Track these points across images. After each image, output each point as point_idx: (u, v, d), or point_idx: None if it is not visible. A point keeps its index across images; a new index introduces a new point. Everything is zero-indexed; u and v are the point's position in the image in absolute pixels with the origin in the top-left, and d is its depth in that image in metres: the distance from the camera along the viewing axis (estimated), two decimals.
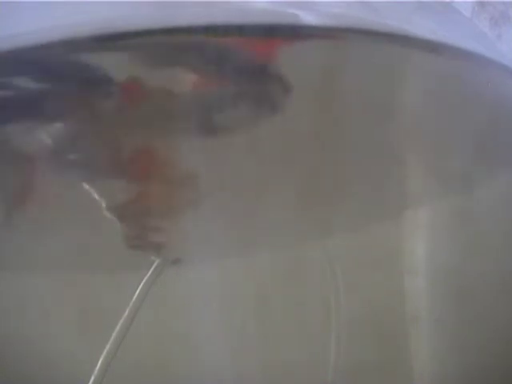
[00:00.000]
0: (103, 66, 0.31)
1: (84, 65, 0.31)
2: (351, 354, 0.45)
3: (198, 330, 0.40)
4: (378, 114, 0.38)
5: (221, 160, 0.37)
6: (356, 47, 0.35)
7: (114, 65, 0.31)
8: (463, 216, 0.44)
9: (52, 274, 0.39)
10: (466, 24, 0.51)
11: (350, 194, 0.42)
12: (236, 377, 0.42)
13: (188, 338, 0.41)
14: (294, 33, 0.32)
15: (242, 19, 0.31)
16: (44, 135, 0.34)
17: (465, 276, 0.43)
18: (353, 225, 0.44)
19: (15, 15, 0.31)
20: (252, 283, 0.43)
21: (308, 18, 0.33)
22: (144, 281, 0.40)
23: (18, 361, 0.38)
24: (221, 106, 0.35)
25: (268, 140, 0.37)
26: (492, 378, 0.41)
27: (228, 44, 0.32)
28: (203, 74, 0.33)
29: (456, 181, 0.43)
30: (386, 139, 0.40)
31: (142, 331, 0.41)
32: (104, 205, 0.37)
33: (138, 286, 0.40)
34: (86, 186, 0.36)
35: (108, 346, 0.39)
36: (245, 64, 0.33)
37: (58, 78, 0.31)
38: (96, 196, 0.36)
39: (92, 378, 0.38)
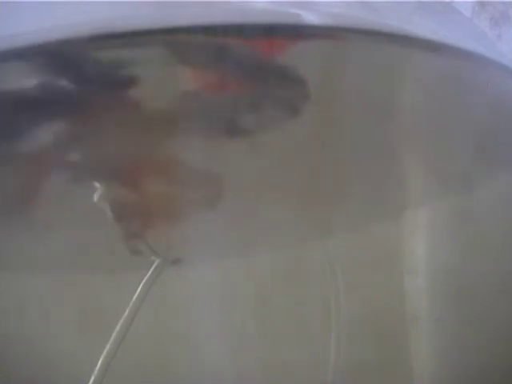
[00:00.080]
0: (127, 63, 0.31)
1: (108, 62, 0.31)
2: (351, 354, 0.45)
3: (197, 330, 0.40)
4: (378, 114, 0.38)
5: (243, 162, 0.37)
6: (356, 47, 0.35)
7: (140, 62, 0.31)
8: (463, 216, 0.44)
9: (52, 274, 0.39)
10: (466, 24, 0.51)
11: (349, 193, 0.42)
12: (236, 377, 0.42)
13: (188, 338, 0.41)
14: (294, 33, 0.32)
15: (242, 19, 0.31)
16: (55, 135, 0.34)
17: (465, 276, 0.43)
18: (353, 225, 0.44)
19: (15, 15, 0.31)
20: (252, 283, 0.43)
21: (308, 18, 0.33)
22: (144, 281, 0.40)
23: (17, 361, 0.38)
24: (244, 109, 0.35)
25: (280, 142, 0.37)
26: (492, 378, 0.41)
27: (251, 46, 0.32)
28: (225, 76, 0.34)
29: (456, 181, 0.43)
30: (386, 139, 0.40)
31: (142, 331, 0.41)
32: (109, 205, 0.37)
33: (138, 286, 0.40)
34: (96, 185, 0.37)
35: (108, 346, 0.39)
36: (265, 66, 0.34)
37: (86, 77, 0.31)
38: (97, 197, 0.37)
39: (92, 378, 0.38)
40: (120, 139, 0.35)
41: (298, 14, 0.33)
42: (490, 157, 0.43)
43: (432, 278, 0.44)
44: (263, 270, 0.43)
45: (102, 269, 0.41)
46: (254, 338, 0.43)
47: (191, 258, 0.42)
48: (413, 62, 0.38)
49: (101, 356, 0.39)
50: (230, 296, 0.42)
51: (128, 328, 0.39)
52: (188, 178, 0.38)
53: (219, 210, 0.39)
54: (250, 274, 0.43)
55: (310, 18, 0.33)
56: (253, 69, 0.33)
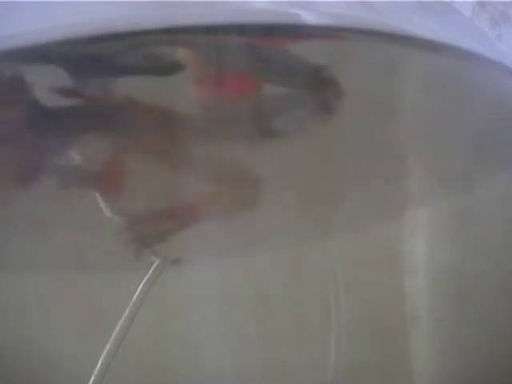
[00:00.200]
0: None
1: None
2: (351, 354, 0.45)
3: (198, 330, 0.40)
4: (378, 114, 0.38)
5: (279, 162, 0.38)
6: (356, 47, 0.35)
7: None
8: (463, 216, 0.44)
9: (52, 274, 0.39)
10: (466, 24, 0.51)
11: (350, 194, 0.42)
12: (236, 377, 0.42)
13: (188, 338, 0.41)
14: (294, 33, 0.32)
15: (242, 19, 0.31)
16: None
17: (465, 276, 0.43)
18: (353, 225, 0.44)
19: (15, 15, 0.31)
20: (252, 283, 0.43)
21: (308, 18, 0.33)
22: (144, 281, 0.40)
23: (18, 361, 0.38)
24: (279, 111, 0.36)
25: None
26: (492, 378, 0.41)
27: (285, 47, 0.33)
28: (259, 78, 0.34)
29: (456, 181, 0.43)
30: (386, 139, 0.40)
31: (142, 331, 0.41)
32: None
33: (138, 286, 0.40)
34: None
35: (108, 346, 0.39)
36: (300, 68, 0.34)
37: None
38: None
39: (92, 378, 0.38)
40: (159, 143, 0.35)
41: (297, 14, 0.33)
42: (489, 157, 0.43)
43: (432, 277, 0.44)
44: (263, 269, 0.43)
45: (101, 269, 0.41)
46: (253, 338, 0.43)
47: (191, 258, 0.42)
48: (413, 61, 0.38)
49: (101, 356, 0.39)
50: (230, 296, 0.42)
51: (128, 328, 0.39)
52: (227, 178, 0.38)
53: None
54: (250, 274, 0.43)
55: (310, 17, 0.33)
56: (287, 70, 0.34)
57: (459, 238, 0.45)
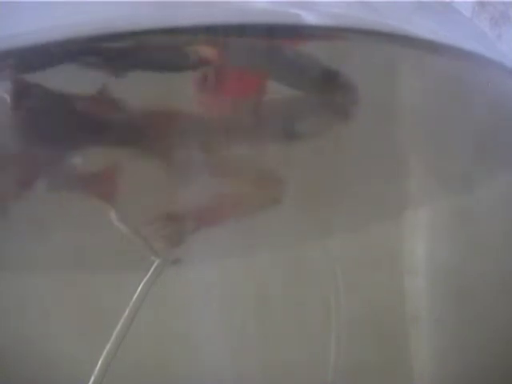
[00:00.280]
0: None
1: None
2: (351, 354, 0.45)
3: (197, 330, 0.40)
4: (378, 114, 0.38)
5: (302, 163, 0.38)
6: (356, 47, 0.35)
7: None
8: (463, 216, 0.44)
9: (52, 274, 0.39)
10: (466, 24, 0.51)
11: (350, 194, 0.42)
12: (236, 377, 0.42)
13: (188, 338, 0.41)
14: (294, 33, 0.32)
15: (242, 19, 0.31)
16: None
17: (465, 276, 0.43)
18: (353, 225, 0.44)
19: (15, 15, 0.31)
20: (252, 283, 0.43)
21: (308, 18, 0.33)
22: (144, 281, 0.40)
23: (18, 361, 0.38)
24: (301, 114, 0.36)
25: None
26: (492, 378, 0.41)
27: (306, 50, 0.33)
28: (280, 81, 0.35)
29: (456, 181, 0.43)
30: (386, 139, 0.40)
31: (142, 331, 0.41)
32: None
33: (138, 286, 0.40)
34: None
35: (108, 346, 0.39)
36: (320, 72, 0.34)
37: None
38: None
39: (92, 378, 0.38)
40: (186, 146, 0.35)
41: (297, 14, 0.33)
42: (489, 157, 0.43)
43: (432, 278, 0.44)
44: (263, 269, 0.43)
45: (101, 269, 0.41)
46: (254, 338, 0.43)
47: (191, 258, 0.42)
48: (413, 62, 0.38)
49: (101, 356, 0.39)
50: (230, 296, 0.42)
51: (128, 328, 0.39)
52: (253, 179, 0.39)
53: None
54: (250, 274, 0.43)
55: (310, 18, 0.33)
56: (308, 73, 0.34)
57: (459, 238, 0.45)
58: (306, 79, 0.35)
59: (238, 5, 0.33)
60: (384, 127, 0.39)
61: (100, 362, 0.39)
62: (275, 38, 0.32)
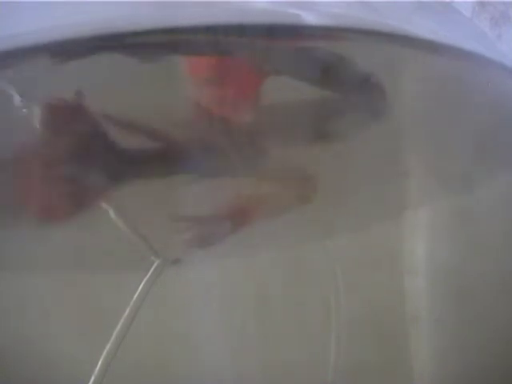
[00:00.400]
0: None
1: None
2: (351, 353, 0.45)
3: (198, 330, 0.40)
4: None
5: (335, 163, 0.39)
6: (356, 47, 0.35)
7: None
8: (463, 216, 0.44)
9: (52, 274, 0.39)
10: (466, 24, 0.51)
11: (350, 194, 0.42)
12: (236, 377, 0.42)
13: (188, 338, 0.41)
14: (294, 33, 0.32)
15: (241, 19, 0.31)
16: None
17: (465, 276, 0.43)
18: (353, 225, 0.44)
19: (15, 15, 0.31)
20: (252, 283, 0.43)
21: (308, 18, 0.33)
22: (144, 281, 0.40)
23: (18, 361, 0.38)
24: (333, 115, 0.36)
25: None
26: (492, 378, 0.41)
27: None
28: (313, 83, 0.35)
29: (456, 181, 0.43)
30: (386, 139, 0.40)
31: (142, 331, 0.41)
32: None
33: (138, 286, 0.40)
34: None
35: (108, 346, 0.39)
36: (352, 74, 0.34)
37: None
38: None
39: (92, 378, 0.38)
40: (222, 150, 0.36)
41: (297, 14, 0.33)
42: (489, 157, 0.43)
43: (432, 278, 0.44)
44: (263, 269, 0.43)
45: (101, 269, 0.41)
46: (253, 338, 0.43)
47: (191, 258, 0.42)
48: (413, 61, 0.38)
49: (101, 356, 0.39)
50: (230, 296, 0.42)
51: (128, 328, 0.39)
52: (286, 178, 0.39)
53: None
54: (250, 274, 0.43)
55: (310, 18, 0.33)
56: (342, 75, 0.34)
57: (459, 238, 0.45)
58: (340, 81, 0.35)
59: (238, 5, 0.33)
60: (384, 127, 0.39)
61: (100, 362, 0.39)
62: (275, 37, 0.32)
